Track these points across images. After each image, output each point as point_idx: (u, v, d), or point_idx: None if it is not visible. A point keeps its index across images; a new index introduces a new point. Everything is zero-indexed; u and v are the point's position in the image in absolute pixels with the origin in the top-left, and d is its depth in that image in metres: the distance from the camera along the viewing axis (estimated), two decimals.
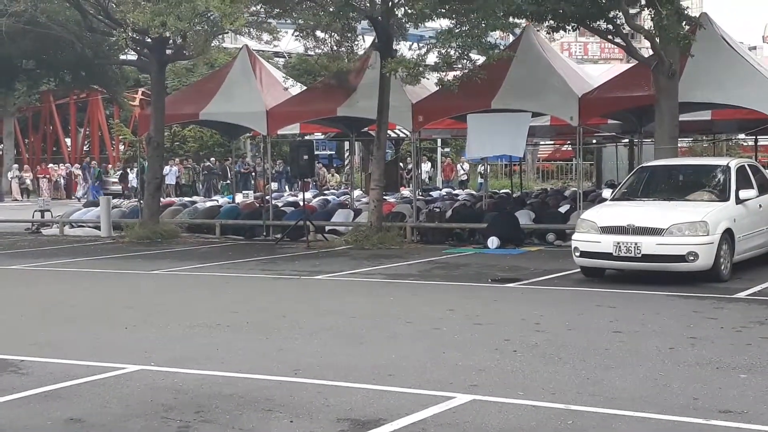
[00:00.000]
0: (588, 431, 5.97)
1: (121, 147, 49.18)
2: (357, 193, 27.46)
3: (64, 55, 22.89)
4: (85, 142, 51.90)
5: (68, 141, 51.73)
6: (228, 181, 38.16)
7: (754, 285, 11.93)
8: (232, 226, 21.12)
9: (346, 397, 6.82)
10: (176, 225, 21.32)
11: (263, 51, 28.70)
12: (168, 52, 20.95)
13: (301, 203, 20.75)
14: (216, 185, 39.35)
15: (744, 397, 6.61)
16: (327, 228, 20.01)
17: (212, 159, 41.25)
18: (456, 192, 29.67)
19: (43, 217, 24.56)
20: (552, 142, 37.49)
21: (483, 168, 30.20)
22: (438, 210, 20.59)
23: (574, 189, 24.14)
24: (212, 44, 20.38)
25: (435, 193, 28.27)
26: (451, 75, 17.60)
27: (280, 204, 23.72)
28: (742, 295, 11.30)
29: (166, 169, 33.39)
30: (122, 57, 24.42)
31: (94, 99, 46.46)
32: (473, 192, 29.58)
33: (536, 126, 21.59)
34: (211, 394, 6.99)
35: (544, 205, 21.84)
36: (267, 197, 22.76)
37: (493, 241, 17.17)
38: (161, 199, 22.80)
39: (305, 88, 22.55)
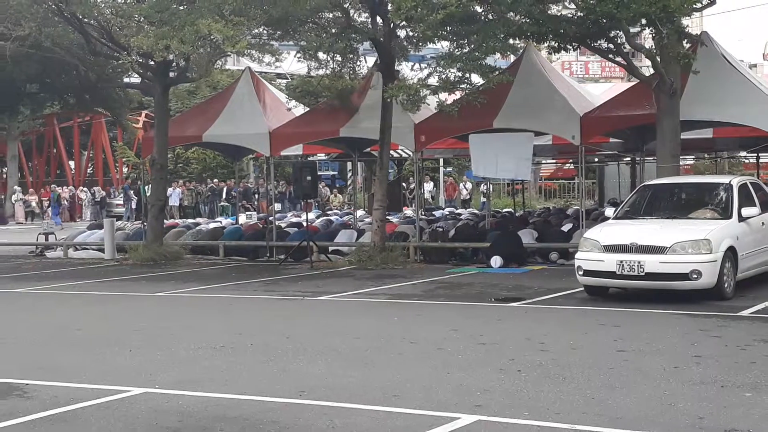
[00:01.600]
0: None
1: (125, 169, 49.29)
2: (360, 213, 27.48)
3: (68, 78, 23.05)
4: (89, 165, 52.01)
5: (72, 164, 51.87)
6: (223, 203, 38.30)
7: (757, 303, 11.92)
8: (236, 247, 21.15)
9: (352, 418, 6.82)
10: (180, 247, 21.34)
11: (265, 72, 28.80)
12: (171, 74, 21.05)
13: (304, 224, 20.76)
14: (216, 205, 39.45)
15: (749, 416, 6.60)
16: (330, 248, 20.02)
17: (215, 180, 41.35)
18: (459, 211, 29.66)
19: (47, 239, 24.61)
20: (554, 161, 37.55)
21: (485, 187, 30.21)
22: (441, 229, 20.60)
23: (576, 207, 24.14)
24: (215, 66, 20.44)
25: (438, 213, 28.27)
26: (451, 98, 17.62)
27: (283, 225, 23.75)
28: (746, 313, 11.29)
29: (169, 191, 33.45)
30: (126, 80, 24.55)
31: (97, 122, 46.59)
32: (476, 211, 29.56)
33: (538, 145, 21.64)
34: (216, 416, 6.99)
35: (546, 223, 21.85)
36: (270, 218, 22.80)
37: (496, 261, 17.19)
38: (165, 221, 22.83)
39: (308, 109, 22.62)
